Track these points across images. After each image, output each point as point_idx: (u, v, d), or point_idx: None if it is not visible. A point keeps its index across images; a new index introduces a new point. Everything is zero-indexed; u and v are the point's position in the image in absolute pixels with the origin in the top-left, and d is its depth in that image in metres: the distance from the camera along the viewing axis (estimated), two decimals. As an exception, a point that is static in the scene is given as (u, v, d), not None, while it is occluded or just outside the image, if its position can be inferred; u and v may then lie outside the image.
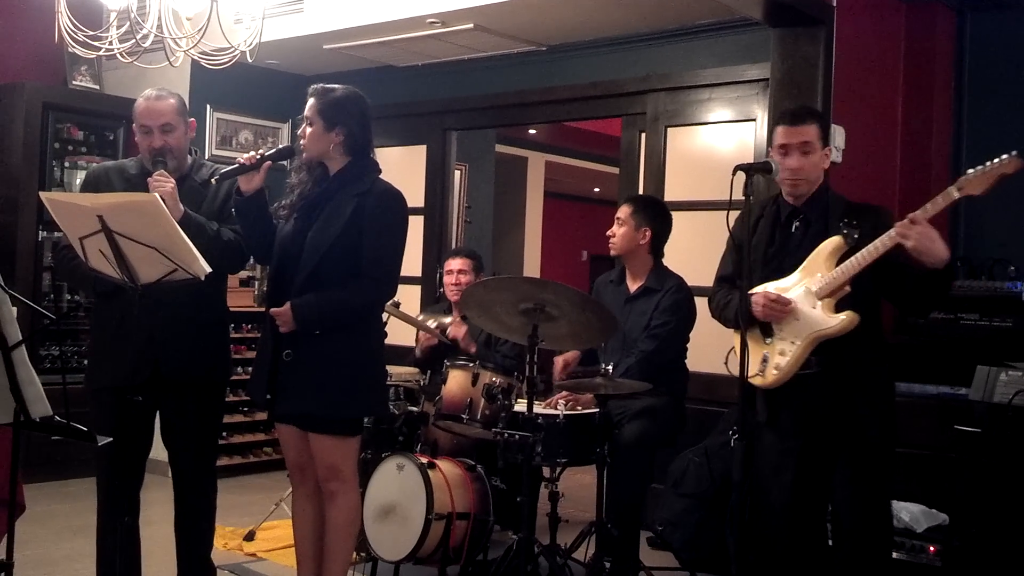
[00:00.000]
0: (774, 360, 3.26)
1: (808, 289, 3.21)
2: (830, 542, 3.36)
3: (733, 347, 3.25)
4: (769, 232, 3.39)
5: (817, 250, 3.24)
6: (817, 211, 3.32)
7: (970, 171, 2.98)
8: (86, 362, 3.66)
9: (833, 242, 3.21)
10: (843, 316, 3.15)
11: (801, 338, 3.20)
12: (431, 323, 4.88)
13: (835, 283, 3.16)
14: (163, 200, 3.20)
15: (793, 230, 3.36)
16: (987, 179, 2.95)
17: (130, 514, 3.41)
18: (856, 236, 3.15)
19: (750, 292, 3.28)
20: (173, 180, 3.31)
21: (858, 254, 3.11)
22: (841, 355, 3.18)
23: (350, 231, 3.18)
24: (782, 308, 3.21)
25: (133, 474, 3.49)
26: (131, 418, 3.23)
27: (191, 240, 3.26)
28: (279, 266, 3.31)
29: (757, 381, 3.29)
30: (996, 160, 2.93)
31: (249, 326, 6.28)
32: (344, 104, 3.26)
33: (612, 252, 4.45)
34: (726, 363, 3.28)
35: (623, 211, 4.43)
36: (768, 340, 3.29)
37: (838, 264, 3.17)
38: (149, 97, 3.45)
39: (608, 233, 4.44)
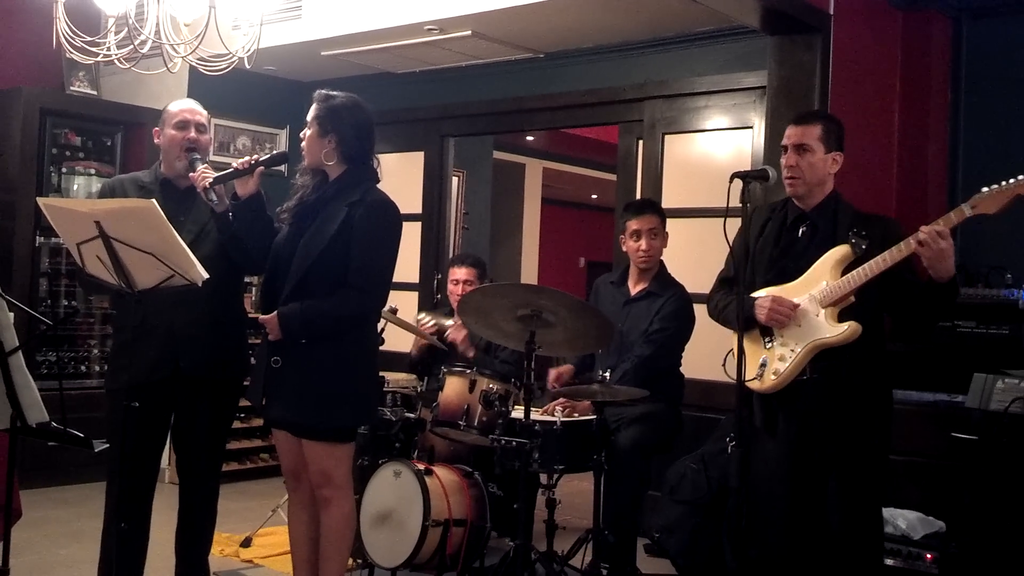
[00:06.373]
0: (773, 365, 3.25)
1: (812, 296, 3.20)
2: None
3: (731, 350, 3.22)
4: (775, 235, 3.39)
5: (824, 257, 3.23)
6: (825, 218, 3.32)
7: (985, 189, 2.95)
8: (107, 366, 3.66)
9: (841, 251, 3.19)
10: (846, 326, 3.14)
11: (802, 345, 3.20)
12: (430, 322, 4.87)
13: (841, 292, 3.15)
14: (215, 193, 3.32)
15: (799, 235, 3.36)
16: (1002, 198, 2.93)
17: (133, 520, 3.39)
18: (864, 247, 3.13)
19: (755, 295, 3.27)
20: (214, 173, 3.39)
21: (868, 263, 3.09)
22: (840, 363, 3.18)
23: (339, 240, 3.16)
24: (788, 312, 3.21)
25: (146, 477, 3.51)
26: (144, 420, 3.22)
27: (239, 233, 3.31)
28: (272, 272, 3.31)
29: (754, 385, 3.28)
30: (1012, 180, 2.91)
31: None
32: (339, 112, 3.26)
33: (647, 265, 4.36)
34: (724, 365, 3.25)
35: (655, 222, 4.34)
36: (768, 344, 3.28)
37: (844, 273, 3.16)
38: (186, 101, 3.64)
39: (644, 248, 4.31)
